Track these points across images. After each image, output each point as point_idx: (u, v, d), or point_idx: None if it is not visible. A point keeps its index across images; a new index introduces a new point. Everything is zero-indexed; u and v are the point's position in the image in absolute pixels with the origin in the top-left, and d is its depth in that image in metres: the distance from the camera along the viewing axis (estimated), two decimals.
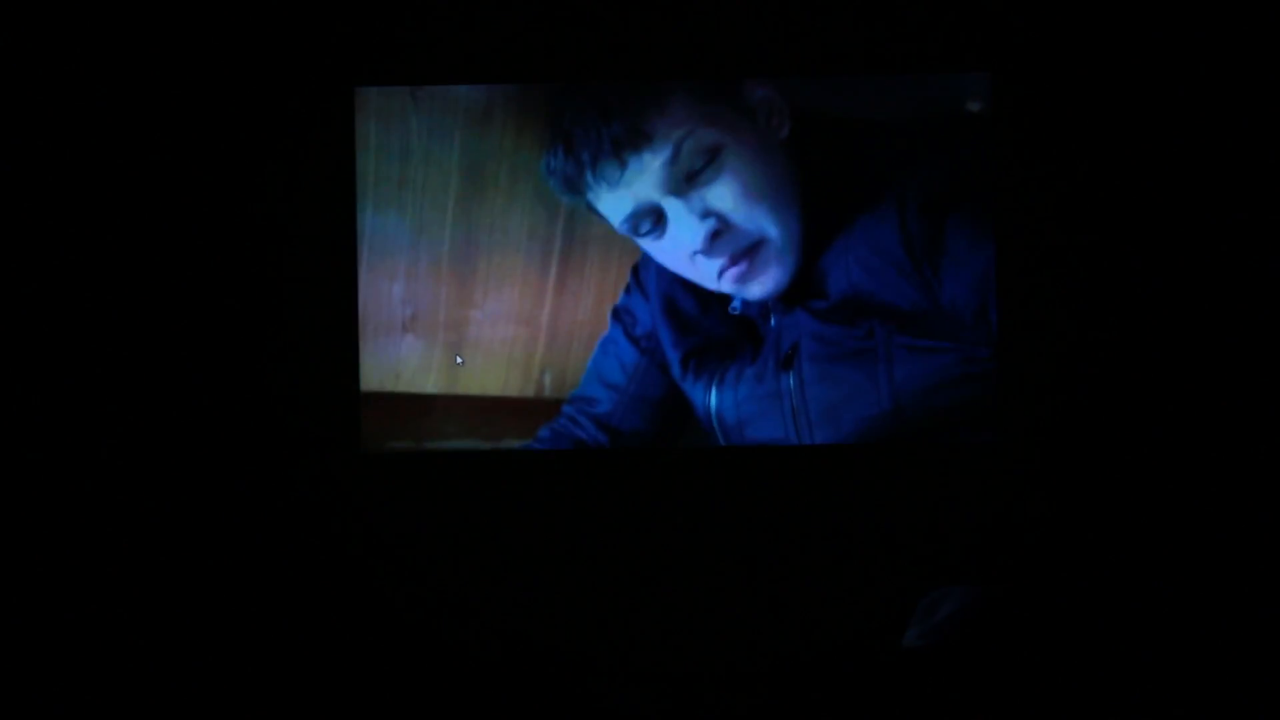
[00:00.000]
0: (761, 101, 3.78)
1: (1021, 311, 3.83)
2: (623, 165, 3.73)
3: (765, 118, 3.78)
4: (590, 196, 3.78)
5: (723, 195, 3.74)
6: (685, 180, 3.73)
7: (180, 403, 3.80)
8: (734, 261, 3.75)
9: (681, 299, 3.85)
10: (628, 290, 3.85)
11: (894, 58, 3.83)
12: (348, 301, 3.85)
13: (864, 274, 3.78)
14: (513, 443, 3.88)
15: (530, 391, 3.86)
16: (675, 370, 3.87)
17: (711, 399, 3.87)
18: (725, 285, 3.80)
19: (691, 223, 3.74)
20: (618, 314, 3.86)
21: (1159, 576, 3.36)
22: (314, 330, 3.86)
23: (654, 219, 3.77)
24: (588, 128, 3.73)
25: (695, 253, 3.76)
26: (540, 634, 3.78)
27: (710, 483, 3.89)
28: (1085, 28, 3.83)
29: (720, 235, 3.74)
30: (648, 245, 3.81)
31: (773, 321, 3.85)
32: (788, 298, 3.82)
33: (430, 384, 3.86)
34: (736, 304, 3.84)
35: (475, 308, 3.85)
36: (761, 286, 3.80)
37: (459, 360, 3.86)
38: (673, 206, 3.74)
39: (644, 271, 3.84)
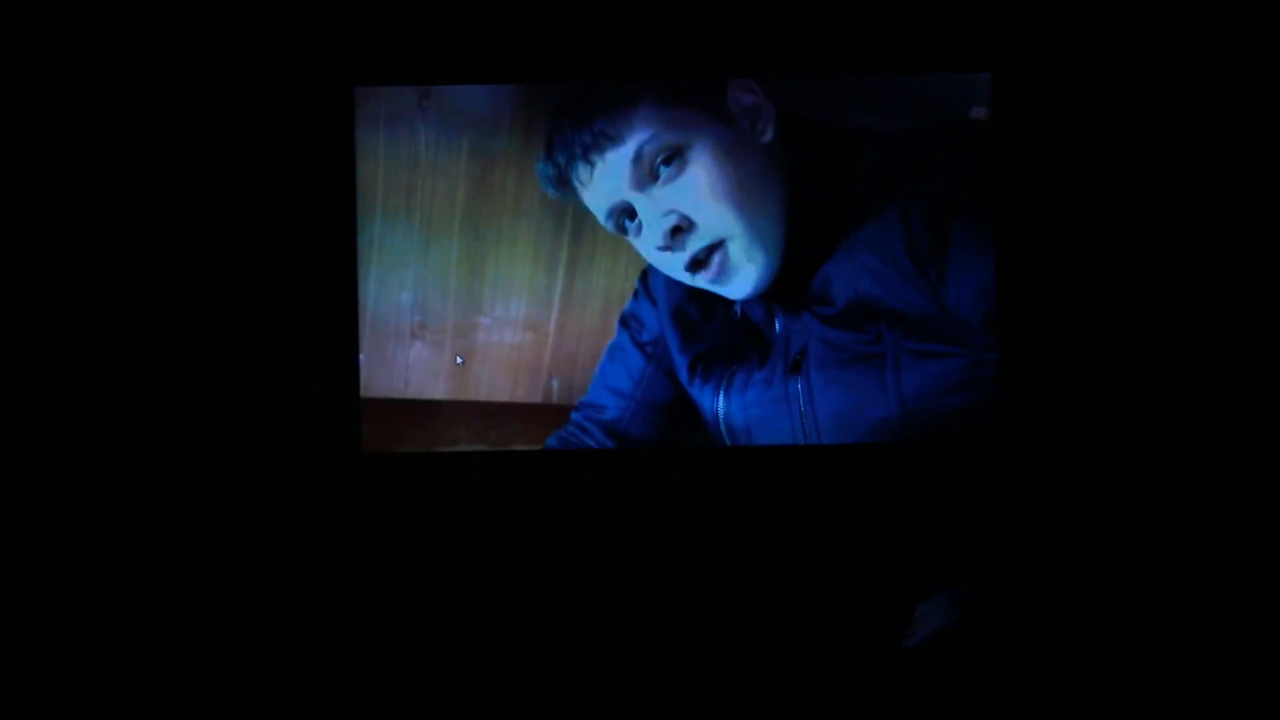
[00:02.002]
0: (748, 108, 3.80)
1: (1022, 311, 3.83)
2: (591, 165, 3.76)
3: (750, 122, 3.80)
4: (579, 196, 3.81)
5: (684, 191, 3.75)
6: (650, 177, 3.75)
7: (182, 407, 3.82)
8: (699, 262, 3.78)
9: (689, 305, 3.86)
10: (635, 296, 3.87)
11: (894, 58, 3.83)
12: (348, 299, 3.85)
13: (870, 280, 3.79)
14: (521, 449, 3.90)
15: (538, 398, 3.89)
16: (683, 375, 3.89)
17: (719, 404, 3.88)
18: (701, 283, 3.81)
19: (655, 218, 3.76)
20: (625, 320, 3.88)
21: (1159, 578, 3.36)
22: (314, 329, 3.87)
23: (630, 216, 3.79)
24: (563, 132, 3.79)
25: (659, 248, 3.78)
26: (542, 634, 3.80)
27: (711, 483, 3.90)
28: (1087, 28, 3.82)
29: (681, 231, 3.75)
30: (634, 243, 3.83)
31: (779, 327, 3.86)
32: (793, 303, 3.83)
33: (439, 391, 3.88)
34: (737, 309, 3.86)
35: (483, 314, 3.88)
36: (739, 287, 3.81)
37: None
38: (640, 203, 3.77)
39: (652, 278, 3.86)
